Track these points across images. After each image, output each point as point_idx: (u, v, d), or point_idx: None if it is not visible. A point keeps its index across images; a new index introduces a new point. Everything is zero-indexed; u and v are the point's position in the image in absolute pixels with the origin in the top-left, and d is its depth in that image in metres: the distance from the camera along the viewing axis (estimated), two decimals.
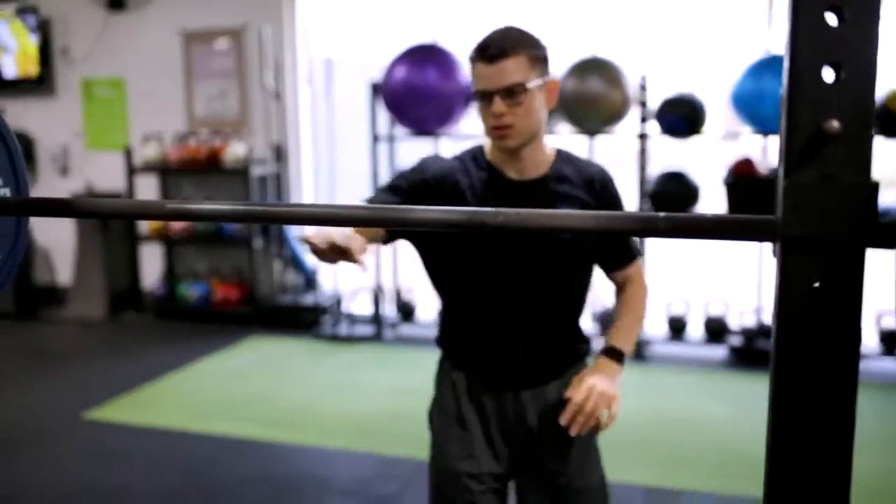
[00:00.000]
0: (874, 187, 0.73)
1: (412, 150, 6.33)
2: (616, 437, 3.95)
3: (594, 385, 1.71)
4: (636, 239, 1.90)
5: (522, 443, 1.84)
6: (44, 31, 6.81)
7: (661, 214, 0.87)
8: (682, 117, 4.95)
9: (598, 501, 1.89)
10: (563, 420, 1.70)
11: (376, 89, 5.60)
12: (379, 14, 6.35)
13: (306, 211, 1.05)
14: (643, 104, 5.12)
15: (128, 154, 6.46)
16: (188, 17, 6.46)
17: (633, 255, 1.89)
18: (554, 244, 1.74)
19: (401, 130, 5.70)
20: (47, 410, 4.52)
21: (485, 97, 1.69)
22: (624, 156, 5.95)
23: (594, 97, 5.05)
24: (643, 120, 5.16)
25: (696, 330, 5.31)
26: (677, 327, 5.30)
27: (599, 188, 1.79)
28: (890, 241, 0.76)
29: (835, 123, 0.72)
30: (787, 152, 0.74)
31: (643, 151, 5.23)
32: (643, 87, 5.10)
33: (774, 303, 0.76)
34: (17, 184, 1.35)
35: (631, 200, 5.22)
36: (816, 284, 0.74)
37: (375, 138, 5.74)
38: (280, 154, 6.37)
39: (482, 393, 1.83)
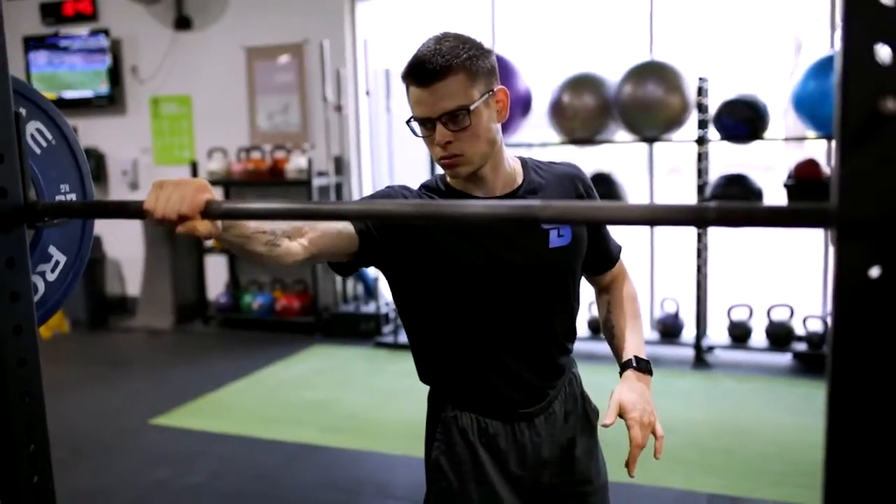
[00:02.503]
0: None
1: None
2: (678, 444, 3.91)
3: (641, 415, 1.58)
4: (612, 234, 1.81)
5: (542, 472, 1.69)
6: (115, 51, 7.05)
7: (712, 204, 0.87)
8: (742, 121, 4.87)
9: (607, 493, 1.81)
10: (631, 471, 1.59)
11: None
12: (436, 22, 6.41)
13: (359, 208, 1.09)
14: (702, 108, 5.05)
15: (193, 168, 6.63)
16: (251, 34, 6.61)
17: (618, 252, 1.80)
18: (545, 256, 1.60)
19: None
20: (116, 416, 4.66)
21: (424, 123, 1.51)
22: (682, 163, 5.87)
23: (651, 102, 5.01)
24: (702, 125, 5.09)
25: (759, 336, 5.20)
26: (740, 334, 5.20)
27: (583, 187, 1.68)
28: None
29: (891, 103, 0.71)
30: (842, 135, 0.74)
31: (702, 157, 5.15)
32: (702, 91, 5.03)
33: (833, 292, 0.76)
34: (84, 191, 1.42)
35: None
36: (875, 273, 0.73)
37: None
38: (340, 165, 6.46)
39: (496, 432, 1.65)
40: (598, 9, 6.36)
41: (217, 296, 6.85)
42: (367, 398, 4.81)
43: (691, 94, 5.02)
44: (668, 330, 5.42)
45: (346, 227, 1.49)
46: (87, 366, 5.86)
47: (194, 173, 6.61)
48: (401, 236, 1.55)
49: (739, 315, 5.25)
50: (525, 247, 1.60)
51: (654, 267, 5.75)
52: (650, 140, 5.26)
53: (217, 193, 1.10)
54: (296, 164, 6.29)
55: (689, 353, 5.30)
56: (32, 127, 1.33)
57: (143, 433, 4.34)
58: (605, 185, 5.36)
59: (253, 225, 1.32)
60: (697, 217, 0.85)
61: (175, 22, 6.78)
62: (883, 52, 0.71)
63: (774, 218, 0.81)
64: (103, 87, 7.09)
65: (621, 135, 5.40)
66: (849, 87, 0.72)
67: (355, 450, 3.98)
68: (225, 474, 3.78)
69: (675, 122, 5.09)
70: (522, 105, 5.51)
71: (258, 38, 6.60)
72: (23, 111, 1.22)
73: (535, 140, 5.76)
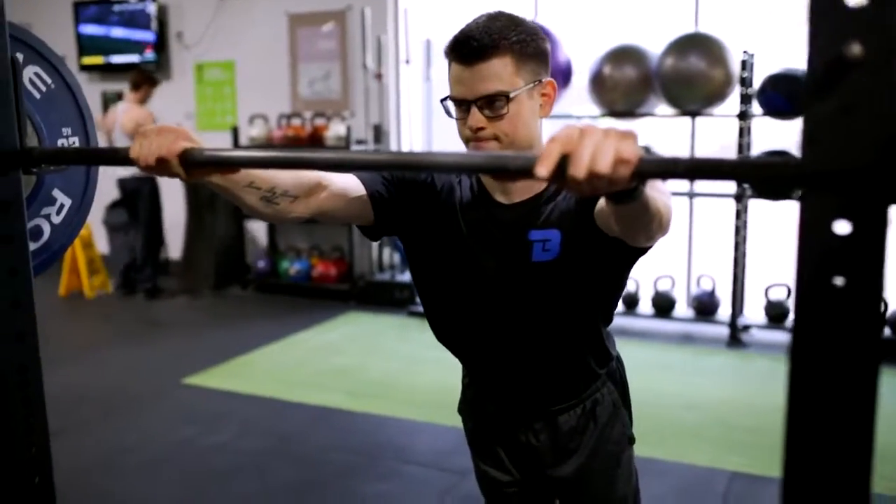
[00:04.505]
0: None
1: None
2: (705, 421, 3.87)
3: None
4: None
5: (537, 475, 1.67)
6: (161, 17, 7.12)
7: (682, 157, 0.84)
8: (787, 96, 4.74)
9: None
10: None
11: None
12: None
13: (337, 157, 1.08)
14: (746, 82, 4.93)
15: (235, 133, 6.70)
16: (294, 1, 6.62)
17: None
18: (524, 269, 1.47)
19: None
20: (150, 374, 4.76)
21: (460, 105, 1.40)
22: (726, 139, 5.74)
23: (694, 76, 4.90)
24: (745, 100, 4.97)
25: None
26: (777, 314, 5.11)
27: None
28: None
29: (856, 48, 0.68)
30: (807, 83, 0.71)
31: (744, 133, 5.04)
32: (746, 65, 4.91)
33: (796, 251, 0.73)
34: (87, 135, 1.43)
35: (732, 184, 5.05)
36: (840, 229, 0.70)
37: None
38: (379, 134, 6.46)
39: (493, 420, 1.68)
40: None
41: (255, 261, 6.93)
42: (394, 365, 4.84)
43: (735, 68, 4.90)
44: (704, 308, 5.34)
45: (357, 190, 1.48)
46: (126, 325, 5.99)
47: (235, 139, 6.68)
48: (411, 207, 1.54)
49: (777, 294, 5.15)
50: (504, 254, 1.48)
51: (692, 243, 5.66)
52: (692, 114, 5.16)
53: None
54: (335, 131, 6.31)
55: (724, 331, 5.22)
56: (31, 71, 1.34)
57: (174, 392, 4.43)
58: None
59: (246, 178, 1.30)
60: (667, 170, 0.83)
61: None
62: None
63: (740, 171, 0.78)
64: (149, 53, 7.17)
65: (662, 108, 5.30)
66: (816, 31, 0.69)
67: (378, 415, 4.01)
68: (248, 434, 3.84)
69: (718, 96, 4.98)
70: (562, 76, 5.44)
71: (301, 5, 6.61)
72: (20, 56, 1.23)
73: (575, 112, 5.68)
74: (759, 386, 4.38)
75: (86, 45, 7.44)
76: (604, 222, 1.31)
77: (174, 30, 7.18)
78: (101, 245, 7.00)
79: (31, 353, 1.25)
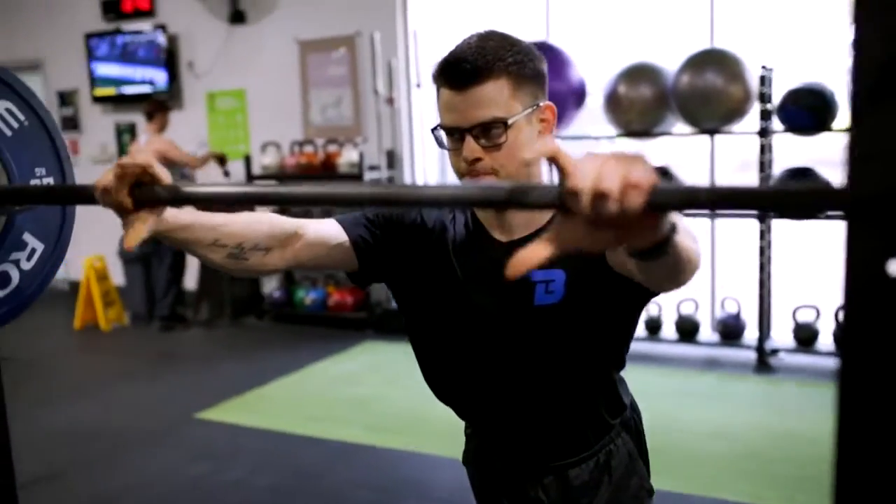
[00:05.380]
0: None
1: None
2: (737, 452, 3.71)
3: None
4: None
5: None
6: (171, 46, 7.11)
7: (703, 186, 0.73)
8: (808, 110, 4.60)
9: None
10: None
11: None
12: (488, 13, 6.27)
13: (316, 192, 0.97)
14: (765, 98, 4.80)
15: (247, 162, 6.64)
16: (303, 28, 6.58)
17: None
18: (525, 312, 1.34)
19: None
20: (162, 409, 4.67)
21: (452, 134, 1.29)
22: (747, 156, 5.61)
23: (711, 93, 4.78)
24: (765, 116, 4.84)
25: (827, 339, 4.92)
26: (806, 336, 4.93)
27: None
28: None
29: None
30: (856, 92, 0.59)
31: (765, 150, 4.90)
32: (765, 80, 4.78)
33: (843, 291, 0.61)
34: (63, 174, 1.34)
35: None
36: (892, 270, 0.58)
37: None
38: (392, 159, 6.38)
39: (499, 476, 1.54)
40: None
41: (271, 290, 6.85)
42: (413, 396, 4.71)
43: (753, 84, 4.78)
44: (729, 331, 5.18)
45: (338, 236, 1.38)
46: (140, 358, 5.91)
47: (248, 167, 6.62)
48: (400, 250, 1.43)
49: (805, 317, 4.98)
50: (503, 298, 1.34)
51: (716, 265, 5.51)
52: (710, 132, 5.03)
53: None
54: (348, 157, 6.23)
55: (751, 355, 5.05)
56: (2, 107, 1.25)
57: (186, 427, 4.33)
58: (663, 179, 5.15)
59: (210, 235, 1.22)
60: (690, 200, 0.71)
61: (230, 16, 6.79)
62: None
63: (774, 200, 0.67)
64: (161, 83, 7.15)
65: (680, 127, 5.18)
66: (865, 27, 0.58)
67: (397, 450, 3.89)
68: (264, 471, 3.72)
69: (737, 113, 4.85)
70: (576, 97, 5.34)
71: (311, 31, 6.57)
72: None
73: (590, 133, 5.58)
74: (793, 413, 4.21)
75: (98, 77, 7.44)
76: (618, 261, 1.17)
77: (185, 59, 7.16)
78: (117, 277, 6.95)
79: None
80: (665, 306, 5.34)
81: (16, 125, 1.27)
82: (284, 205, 0.88)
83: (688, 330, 5.25)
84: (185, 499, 3.48)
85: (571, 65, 5.33)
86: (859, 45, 0.58)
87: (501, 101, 1.25)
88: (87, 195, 1.02)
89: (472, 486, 1.63)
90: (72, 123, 7.94)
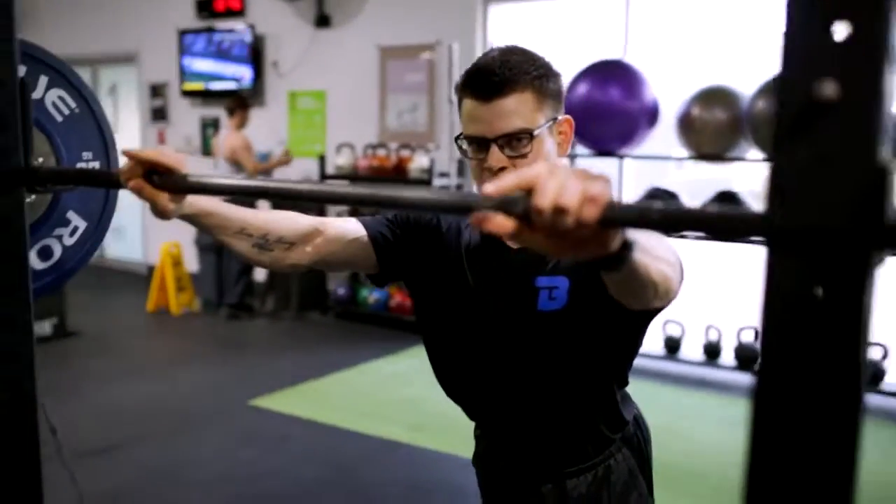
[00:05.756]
0: (880, 172, 0.59)
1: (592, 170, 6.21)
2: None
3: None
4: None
5: None
6: (258, 46, 7.35)
7: (656, 206, 0.76)
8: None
9: None
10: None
11: None
12: (567, 27, 6.29)
13: (308, 189, 1.04)
14: None
15: (322, 161, 6.81)
16: (385, 34, 6.72)
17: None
18: (530, 318, 1.37)
19: (581, 149, 5.59)
20: (222, 393, 4.83)
21: (477, 143, 1.32)
22: None
23: None
24: None
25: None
26: (870, 373, 4.79)
27: None
28: None
29: (829, 88, 0.59)
30: (778, 126, 0.62)
31: None
32: None
33: (761, 316, 0.64)
34: (108, 159, 1.44)
35: None
36: (814, 291, 0.61)
37: None
38: (462, 168, 6.44)
39: (502, 478, 1.58)
40: (737, 17, 6.05)
41: (336, 288, 7.00)
42: None
43: None
44: (749, 357, 5.08)
45: (357, 232, 1.44)
46: (205, 343, 6.12)
47: (322, 167, 6.79)
48: (416, 251, 1.48)
49: (873, 354, 4.84)
50: (510, 302, 1.39)
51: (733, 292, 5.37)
52: None
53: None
54: (419, 163, 6.33)
55: None
56: (54, 94, 1.36)
57: (240, 412, 4.47)
58: (731, 205, 5.08)
59: (237, 223, 1.30)
60: (640, 218, 0.75)
61: (316, 19, 6.99)
62: (828, 28, 0.59)
63: (706, 223, 0.70)
64: (247, 80, 7.39)
65: (753, 153, 5.09)
66: (788, 65, 0.61)
67: (436, 450, 3.94)
68: (307, 461, 3.83)
69: None
70: (649, 116, 5.31)
71: (392, 38, 6.70)
72: (44, 79, 1.25)
73: (661, 153, 5.54)
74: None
75: (188, 72, 7.74)
76: (611, 290, 1.19)
77: (270, 59, 7.38)
78: (191, 264, 7.21)
79: (25, 371, 1.24)
80: (725, 332, 5.25)
81: (66, 112, 1.37)
82: (281, 199, 0.95)
83: (748, 358, 5.15)
84: (231, 480, 3.61)
85: (646, 84, 5.31)
86: (784, 83, 0.61)
87: (526, 112, 1.29)
88: (114, 180, 1.11)
89: (480, 489, 1.67)
90: (160, 115, 8.27)
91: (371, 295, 6.67)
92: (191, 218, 1.26)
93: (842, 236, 0.58)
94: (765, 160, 4.99)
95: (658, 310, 1.29)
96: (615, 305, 1.29)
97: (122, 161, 1.12)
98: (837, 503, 0.60)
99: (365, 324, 6.67)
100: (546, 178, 0.76)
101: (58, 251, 1.39)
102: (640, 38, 5.89)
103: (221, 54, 7.51)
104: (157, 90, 8.27)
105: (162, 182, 1.06)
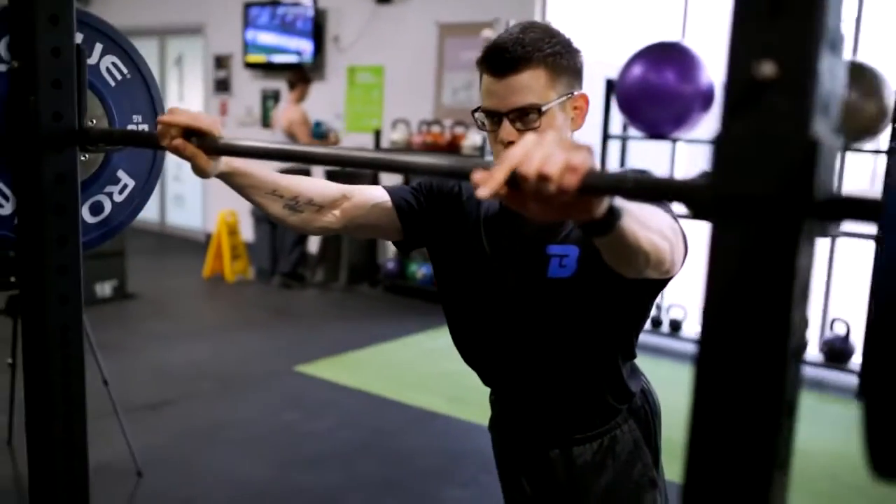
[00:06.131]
0: (812, 144, 0.65)
1: (644, 153, 6.19)
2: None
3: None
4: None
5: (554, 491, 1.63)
6: (320, 20, 7.47)
7: (630, 175, 0.83)
8: None
9: None
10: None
11: (611, 86, 5.53)
12: (625, 8, 6.26)
13: (331, 153, 1.12)
14: None
15: (377, 136, 6.92)
16: (444, 11, 6.77)
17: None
18: (540, 285, 1.44)
19: (634, 131, 5.58)
20: (268, 358, 5.00)
21: (492, 116, 1.38)
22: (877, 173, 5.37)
23: (845, 107, 4.62)
24: None
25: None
26: None
27: None
28: (830, 212, 0.67)
29: (768, 67, 0.65)
30: (725, 103, 0.68)
31: (893, 171, 4.70)
32: None
33: (705, 276, 0.70)
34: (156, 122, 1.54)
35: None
36: (750, 254, 0.67)
37: (607, 137, 5.68)
38: None
39: (513, 442, 1.67)
40: None
41: (385, 261, 7.12)
42: None
43: (890, 101, 4.58)
44: (836, 353, 5.01)
45: (382, 199, 1.52)
46: (256, 310, 6.31)
47: (377, 142, 6.90)
48: (438, 218, 1.55)
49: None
50: (522, 269, 1.46)
51: (830, 285, 5.33)
52: (840, 149, 4.87)
53: None
54: (472, 140, 6.39)
55: (855, 380, 4.89)
56: (108, 61, 1.46)
57: (286, 377, 4.63)
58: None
59: (270, 185, 1.40)
60: (616, 186, 0.81)
61: None
62: (767, 9, 0.64)
63: (653, 190, 0.76)
64: (307, 54, 7.53)
65: None
66: (733, 46, 0.66)
67: (470, 422, 4.03)
68: (346, 426, 3.96)
69: (869, 130, 4.67)
70: (704, 99, 5.27)
71: (451, 15, 6.75)
72: (99, 45, 1.35)
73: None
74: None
75: (251, 44, 7.90)
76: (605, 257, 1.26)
77: (331, 34, 7.50)
78: (247, 233, 7.41)
79: (73, 315, 1.36)
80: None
81: (119, 77, 1.48)
82: (303, 162, 1.04)
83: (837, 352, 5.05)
84: (275, 440, 3.76)
85: (702, 67, 5.27)
86: (731, 63, 0.66)
87: (537, 88, 1.34)
88: (155, 141, 1.22)
89: (494, 453, 1.75)
90: (224, 86, 8.48)
91: (420, 270, 6.77)
92: (226, 177, 1.35)
93: (774, 205, 0.64)
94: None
95: (659, 283, 1.34)
96: (621, 276, 1.35)
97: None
98: (766, 450, 0.66)
99: (412, 297, 6.78)
100: (532, 148, 0.82)
101: (108, 207, 1.50)
102: (699, 22, 5.83)
103: (284, 28, 7.66)
104: (221, 62, 8.48)
105: (200, 143, 1.16)
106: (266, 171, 1.43)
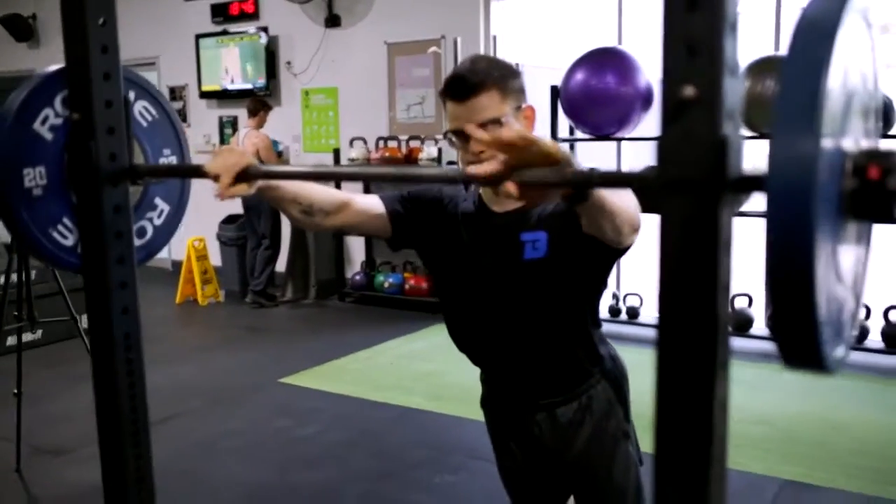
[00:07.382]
0: (723, 141, 0.94)
1: (591, 153, 6.53)
2: (767, 433, 3.98)
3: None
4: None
5: (546, 464, 1.91)
6: (272, 47, 7.70)
7: (597, 170, 1.11)
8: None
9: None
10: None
11: (556, 92, 5.85)
12: (564, 19, 6.61)
13: (349, 171, 1.40)
14: None
15: (336, 155, 7.17)
16: (393, 31, 7.06)
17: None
18: (517, 268, 1.71)
19: (581, 133, 5.92)
20: (251, 373, 5.21)
21: (460, 136, 1.63)
22: None
23: (770, 98, 5.01)
24: None
25: (875, 337, 5.09)
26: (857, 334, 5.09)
27: None
28: (740, 187, 0.96)
29: (690, 90, 0.94)
30: (662, 115, 0.97)
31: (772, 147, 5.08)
32: None
33: (659, 246, 0.98)
34: (182, 155, 1.80)
35: None
36: (686, 225, 0.95)
37: (555, 140, 6.01)
38: None
39: (503, 413, 1.94)
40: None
41: (353, 275, 7.36)
42: (474, 371, 5.12)
43: None
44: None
45: (378, 208, 1.82)
46: (232, 330, 6.50)
47: (336, 160, 7.14)
48: (423, 220, 1.83)
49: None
50: (499, 255, 1.74)
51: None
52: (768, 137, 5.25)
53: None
54: (428, 152, 6.68)
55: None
56: (140, 105, 1.71)
57: (271, 389, 4.85)
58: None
59: (292, 195, 1.67)
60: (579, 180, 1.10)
61: (326, 20, 7.34)
62: (686, 50, 0.93)
63: (608, 181, 1.05)
64: (261, 81, 7.75)
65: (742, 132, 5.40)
66: (665, 75, 0.95)
67: (453, 415, 4.30)
68: (335, 428, 4.20)
69: None
70: (643, 100, 5.63)
71: (399, 35, 7.04)
72: (132, 93, 1.60)
73: (657, 135, 5.84)
74: (827, 402, 4.42)
75: (205, 74, 8.09)
76: (586, 224, 1.55)
77: (284, 59, 7.74)
78: (214, 258, 7.58)
79: (133, 324, 1.60)
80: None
81: (150, 118, 1.73)
82: (329, 178, 1.31)
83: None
84: (271, 445, 3.99)
85: (640, 70, 5.62)
86: (665, 88, 0.95)
87: (493, 106, 1.63)
88: (201, 172, 1.48)
89: (487, 428, 2.03)
90: (180, 116, 8.64)
91: (387, 280, 7.03)
92: (261, 190, 1.61)
93: (702, 184, 0.92)
94: (751, 138, 5.32)
95: (616, 253, 1.65)
96: (586, 251, 1.65)
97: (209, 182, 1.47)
98: (704, 403, 0.94)
99: (382, 307, 7.03)
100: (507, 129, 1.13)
101: (150, 230, 1.75)
102: (633, 27, 6.20)
103: (237, 56, 7.86)
104: (175, 92, 8.65)
105: (243, 176, 1.43)
106: (288, 183, 1.71)
